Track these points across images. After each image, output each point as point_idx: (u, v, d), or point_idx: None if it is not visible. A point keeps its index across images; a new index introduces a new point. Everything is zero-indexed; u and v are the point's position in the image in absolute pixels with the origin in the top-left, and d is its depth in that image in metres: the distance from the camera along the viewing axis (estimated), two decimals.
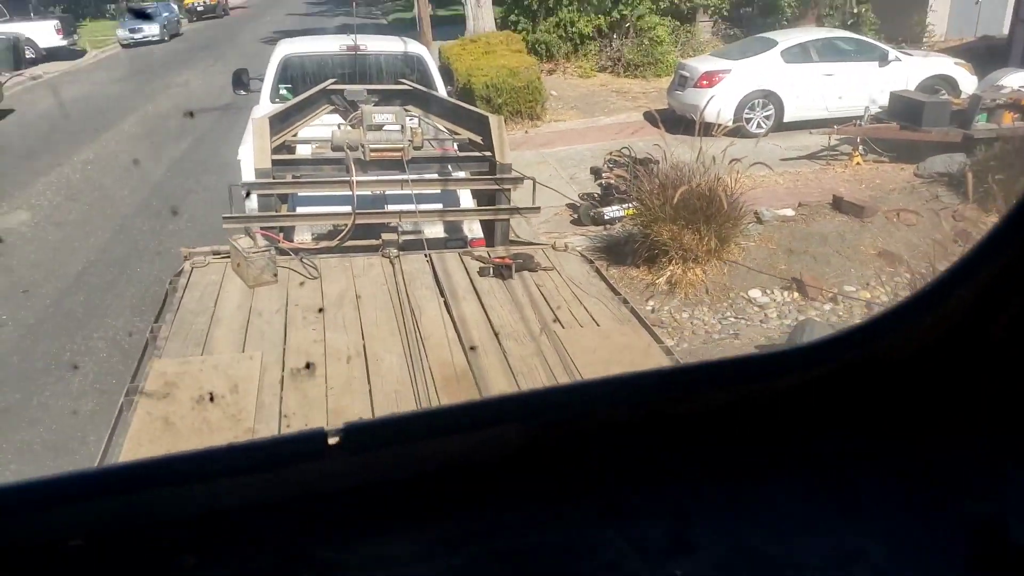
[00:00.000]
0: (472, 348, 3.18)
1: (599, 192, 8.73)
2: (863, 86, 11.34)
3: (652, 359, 3.14)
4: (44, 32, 26.45)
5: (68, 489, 0.62)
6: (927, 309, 0.79)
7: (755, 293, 6.90)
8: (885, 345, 0.82)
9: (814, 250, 7.49)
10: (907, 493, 0.80)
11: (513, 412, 0.77)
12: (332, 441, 0.64)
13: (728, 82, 11.63)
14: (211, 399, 2.70)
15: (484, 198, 5.18)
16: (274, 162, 4.66)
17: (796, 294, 6.85)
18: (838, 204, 8.35)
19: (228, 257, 4.17)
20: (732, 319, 6.61)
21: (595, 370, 2.93)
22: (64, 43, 26.91)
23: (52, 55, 25.94)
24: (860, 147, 10.29)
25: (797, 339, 5.80)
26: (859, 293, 6.79)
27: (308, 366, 3.01)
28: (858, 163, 10.18)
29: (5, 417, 5.46)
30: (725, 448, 0.83)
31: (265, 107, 6.71)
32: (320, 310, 3.51)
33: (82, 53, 28.08)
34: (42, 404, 5.61)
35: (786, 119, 11.79)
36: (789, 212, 8.31)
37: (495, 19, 19.01)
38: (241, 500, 0.66)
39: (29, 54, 24.85)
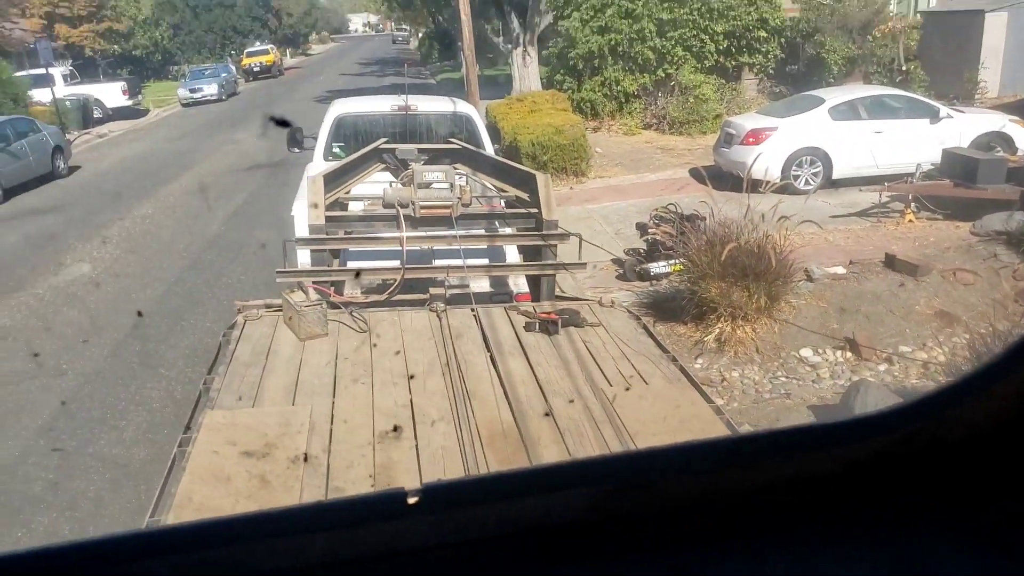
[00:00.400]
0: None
1: (645, 248, 8.73)
2: (914, 143, 11.22)
3: (717, 430, 3.06)
4: (112, 93, 27.97)
5: (160, 542, 0.65)
6: (994, 381, 0.79)
7: (807, 352, 6.76)
8: (952, 417, 0.81)
9: (867, 309, 7.33)
10: (978, 560, 0.78)
11: (580, 477, 0.78)
12: (411, 501, 0.66)
13: (775, 139, 11.63)
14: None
15: (530, 253, 5.23)
16: (327, 219, 4.79)
17: (849, 354, 6.69)
18: (891, 262, 8.19)
19: (280, 310, 4.26)
20: (783, 379, 6.48)
21: (658, 439, 2.86)
22: (129, 103, 28.38)
23: (118, 114, 27.36)
24: (912, 204, 10.14)
25: (851, 400, 5.64)
26: (915, 354, 6.61)
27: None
28: (911, 220, 10.01)
29: (62, 465, 5.60)
30: (790, 513, 0.83)
31: (319, 165, 6.91)
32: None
33: (145, 112, 29.47)
34: (96, 453, 5.74)
35: (835, 176, 11.70)
36: (840, 270, 8.18)
37: (541, 78, 19.44)
38: (323, 556, 0.68)
39: (97, 114, 26.24)
